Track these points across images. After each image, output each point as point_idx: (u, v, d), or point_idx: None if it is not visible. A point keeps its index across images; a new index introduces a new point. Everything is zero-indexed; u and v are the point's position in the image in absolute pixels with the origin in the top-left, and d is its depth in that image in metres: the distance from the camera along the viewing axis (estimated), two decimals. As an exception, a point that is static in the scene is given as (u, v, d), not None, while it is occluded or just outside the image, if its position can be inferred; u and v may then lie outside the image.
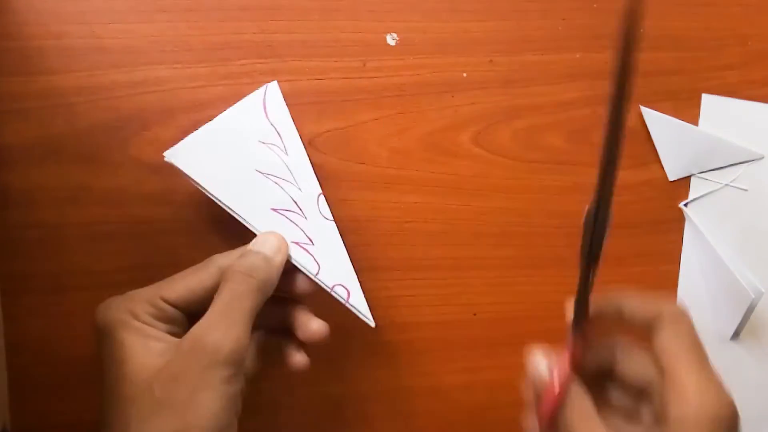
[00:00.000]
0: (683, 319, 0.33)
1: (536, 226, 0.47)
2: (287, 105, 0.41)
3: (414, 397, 0.47)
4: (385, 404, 0.47)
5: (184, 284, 0.35)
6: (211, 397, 0.30)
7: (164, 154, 0.38)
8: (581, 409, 0.32)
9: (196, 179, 0.38)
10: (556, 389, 0.33)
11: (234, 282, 0.34)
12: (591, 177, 0.49)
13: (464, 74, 0.46)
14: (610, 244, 0.50)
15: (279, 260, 0.36)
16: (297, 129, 0.40)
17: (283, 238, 0.37)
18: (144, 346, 0.32)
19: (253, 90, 0.41)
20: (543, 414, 0.33)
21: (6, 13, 0.41)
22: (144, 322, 0.33)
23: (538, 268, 0.48)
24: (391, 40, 0.45)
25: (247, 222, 0.38)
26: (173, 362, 0.31)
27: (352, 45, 0.44)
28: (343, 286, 0.39)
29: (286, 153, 0.39)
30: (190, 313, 0.35)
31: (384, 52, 0.45)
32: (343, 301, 0.39)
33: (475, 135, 0.46)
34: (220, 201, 0.38)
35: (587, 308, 0.34)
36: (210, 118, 0.43)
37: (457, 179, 0.46)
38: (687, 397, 0.30)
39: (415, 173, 0.46)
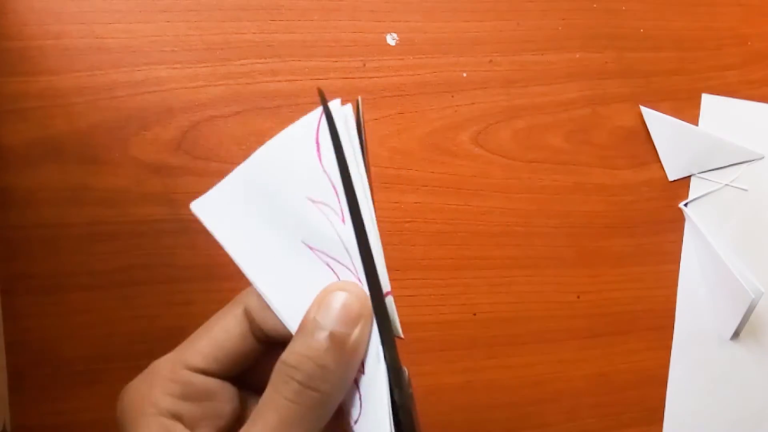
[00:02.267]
0: None
1: (536, 226, 0.47)
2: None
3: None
4: (385, 404, 0.47)
5: (208, 340, 0.25)
6: None
7: (191, 205, 0.28)
8: None
9: (222, 242, 0.27)
10: None
11: (284, 395, 0.22)
12: (591, 177, 0.49)
13: (464, 74, 0.46)
14: (610, 244, 0.50)
15: (357, 340, 0.23)
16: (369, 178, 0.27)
17: (364, 294, 0.24)
18: None
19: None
20: None
21: (6, 13, 0.41)
22: (166, 414, 0.24)
23: (538, 268, 0.48)
24: (391, 40, 0.45)
25: (277, 311, 0.26)
26: None
27: (352, 45, 0.44)
28: None
29: (343, 221, 0.26)
30: (231, 376, 0.26)
31: (384, 52, 0.45)
32: None
33: (475, 135, 0.46)
34: (247, 276, 0.27)
35: None
36: (210, 119, 0.43)
37: (457, 179, 0.46)
38: None
39: (415, 173, 0.46)
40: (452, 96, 0.46)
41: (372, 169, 0.45)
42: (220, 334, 0.25)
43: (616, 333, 0.49)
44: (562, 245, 0.48)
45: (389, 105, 0.45)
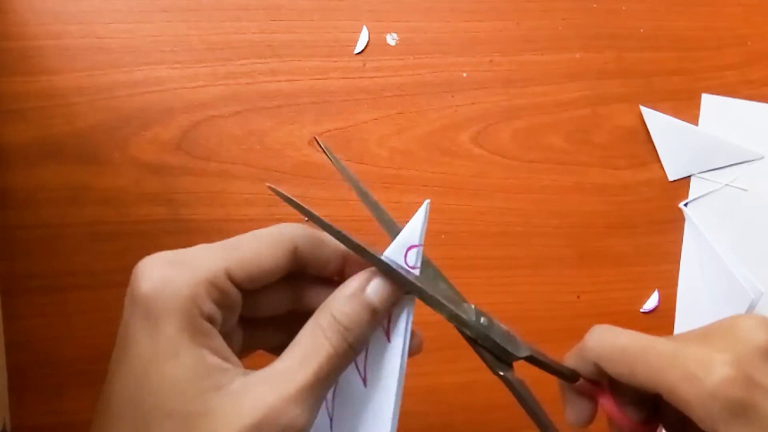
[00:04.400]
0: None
1: (536, 226, 0.47)
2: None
3: (414, 397, 0.47)
4: (385, 404, 0.47)
5: (256, 261, 0.26)
6: None
7: None
8: None
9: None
10: None
11: (330, 342, 0.26)
12: (591, 177, 0.49)
13: (464, 74, 0.46)
14: (610, 244, 0.50)
15: (382, 312, 0.28)
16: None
17: (390, 285, 0.29)
18: (200, 361, 0.24)
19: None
20: None
21: (6, 13, 0.41)
22: (207, 317, 0.24)
23: (538, 268, 0.48)
24: (391, 40, 0.45)
25: None
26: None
27: (352, 45, 0.44)
28: None
29: (389, 339, 0.30)
30: (247, 290, 0.27)
31: (384, 52, 0.45)
32: None
33: (475, 135, 0.46)
34: None
35: None
36: (210, 118, 0.43)
37: (457, 179, 0.46)
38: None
39: (415, 173, 0.46)
40: (452, 96, 0.46)
41: (372, 169, 0.45)
42: (269, 263, 0.26)
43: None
44: (562, 245, 0.48)
45: (389, 105, 0.45)
